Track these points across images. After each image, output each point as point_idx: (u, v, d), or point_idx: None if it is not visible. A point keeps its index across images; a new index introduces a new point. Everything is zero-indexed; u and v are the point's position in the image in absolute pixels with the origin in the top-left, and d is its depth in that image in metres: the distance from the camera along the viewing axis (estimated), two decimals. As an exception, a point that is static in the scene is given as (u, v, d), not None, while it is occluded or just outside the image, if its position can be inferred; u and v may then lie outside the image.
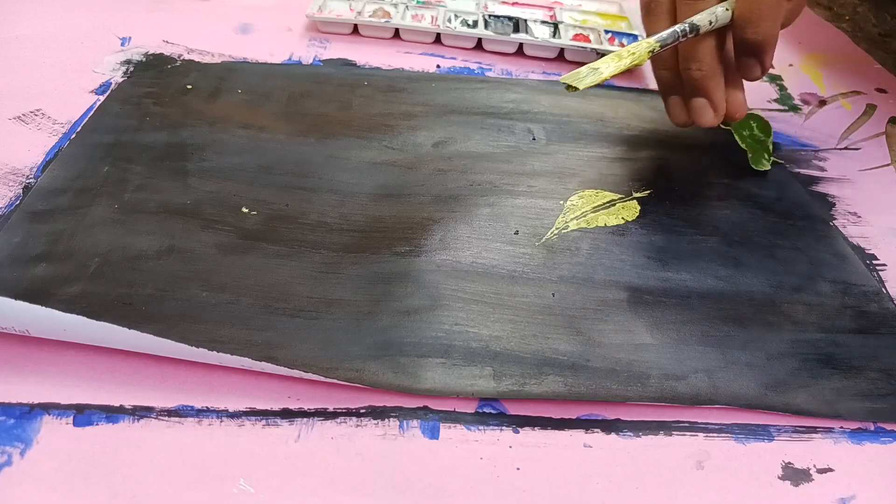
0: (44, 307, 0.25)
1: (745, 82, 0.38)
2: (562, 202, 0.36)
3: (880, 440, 0.27)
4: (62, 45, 0.45)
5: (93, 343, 0.26)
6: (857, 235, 0.37)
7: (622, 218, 0.35)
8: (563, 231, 0.34)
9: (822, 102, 0.48)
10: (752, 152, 0.40)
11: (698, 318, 0.31)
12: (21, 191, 0.33)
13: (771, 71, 0.51)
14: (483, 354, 0.28)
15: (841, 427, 0.27)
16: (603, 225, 0.35)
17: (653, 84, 0.48)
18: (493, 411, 0.26)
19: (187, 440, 0.24)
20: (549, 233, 0.34)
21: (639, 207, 0.36)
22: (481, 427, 0.26)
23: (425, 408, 0.26)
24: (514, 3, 0.55)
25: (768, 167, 0.40)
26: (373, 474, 0.24)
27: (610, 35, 0.51)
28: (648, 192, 0.37)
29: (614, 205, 0.36)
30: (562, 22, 0.52)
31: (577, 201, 0.36)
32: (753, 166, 0.40)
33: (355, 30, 0.51)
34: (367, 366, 0.27)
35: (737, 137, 0.41)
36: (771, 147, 0.41)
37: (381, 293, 0.30)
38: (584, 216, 0.35)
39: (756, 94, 0.48)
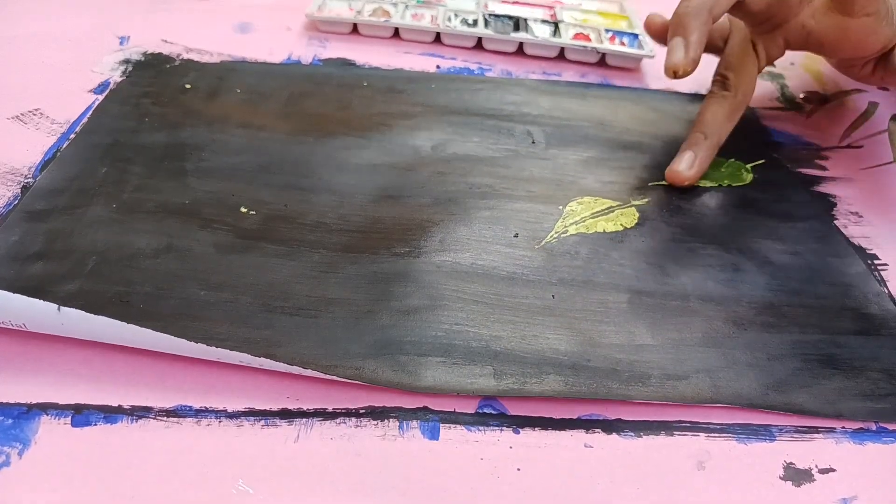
0: (42, 300, 0.24)
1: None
2: (561, 207, 0.36)
3: (882, 440, 0.27)
4: (61, 45, 0.45)
5: (90, 338, 0.26)
6: (858, 235, 0.36)
7: (621, 225, 0.35)
8: (563, 235, 0.34)
9: (825, 100, 0.48)
10: (730, 180, 0.40)
11: (699, 319, 0.30)
12: (19, 190, 0.33)
13: (773, 69, 0.51)
14: (483, 354, 0.28)
15: (843, 427, 0.27)
16: (602, 231, 0.35)
17: (653, 83, 0.48)
18: (493, 412, 0.26)
19: (186, 440, 0.24)
20: (548, 236, 0.34)
21: (637, 214, 0.36)
22: (481, 427, 0.26)
23: (425, 408, 0.26)
24: (514, 2, 0.55)
25: (752, 174, 0.40)
26: (372, 475, 0.24)
27: (611, 34, 0.51)
28: (647, 199, 0.37)
29: (613, 211, 0.36)
30: (562, 21, 0.52)
31: (575, 207, 0.36)
32: (740, 184, 0.39)
33: (355, 29, 0.50)
34: (367, 364, 0.27)
35: (707, 182, 0.39)
36: (736, 159, 0.41)
37: (381, 292, 0.30)
38: (583, 221, 0.35)
39: (758, 93, 0.48)
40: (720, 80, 0.40)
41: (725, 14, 0.36)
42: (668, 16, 0.38)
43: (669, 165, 0.38)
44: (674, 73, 0.35)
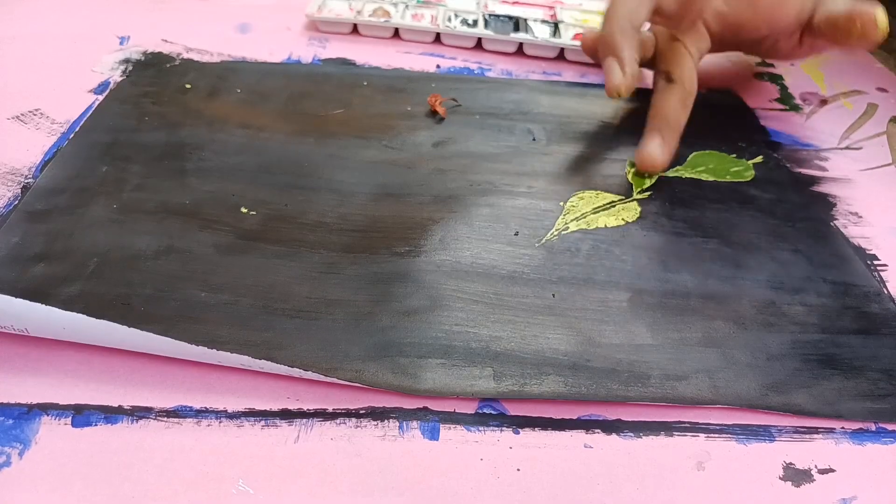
0: (43, 305, 0.24)
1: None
2: (562, 203, 0.36)
3: (881, 440, 0.27)
4: (61, 45, 0.45)
5: (92, 342, 0.26)
6: (857, 236, 0.36)
7: (622, 219, 0.35)
8: (564, 232, 0.34)
9: (824, 102, 0.48)
10: (730, 175, 0.40)
11: (699, 318, 0.30)
12: (20, 191, 0.33)
13: (772, 70, 0.51)
14: (483, 355, 0.28)
15: (842, 427, 0.27)
16: (603, 226, 0.35)
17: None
18: (493, 412, 0.26)
19: (186, 441, 0.24)
20: (549, 234, 0.34)
21: (639, 209, 0.36)
22: (481, 428, 0.26)
23: (425, 409, 0.26)
24: (514, 3, 0.55)
25: (753, 171, 0.40)
26: (372, 475, 0.24)
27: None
28: (649, 193, 0.37)
29: (614, 206, 0.36)
30: (562, 21, 0.52)
31: (577, 202, 0.36)
32: (742, 180, 0.39)
33: (355, 29, 0.50)
34: (367, 366, 0.27)
35: (709, 177, 0.39)
36: (738, 157, 0.41)
37: (381, 293, 0.30)
38: (584, 217, 0.35)
39: (757, 94, 0.48)
40: (663, 75, 0.41)
41: (648, 26, 0.38)
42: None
43: (639, 148, 0.38)
44: (617, 94, 0.35)
